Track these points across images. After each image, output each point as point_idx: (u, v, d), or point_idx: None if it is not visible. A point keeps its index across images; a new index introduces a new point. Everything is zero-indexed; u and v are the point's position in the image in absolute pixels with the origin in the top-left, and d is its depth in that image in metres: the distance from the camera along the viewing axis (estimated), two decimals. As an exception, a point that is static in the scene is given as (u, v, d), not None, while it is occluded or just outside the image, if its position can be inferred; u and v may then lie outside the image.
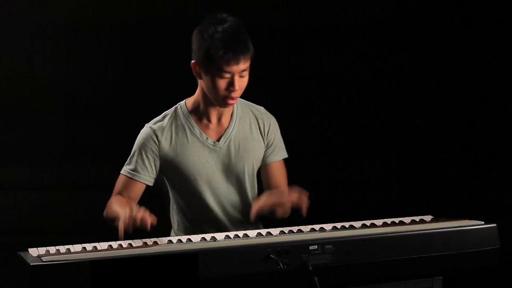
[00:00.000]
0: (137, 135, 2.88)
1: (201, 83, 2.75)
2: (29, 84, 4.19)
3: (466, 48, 4.29)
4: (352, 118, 4.35)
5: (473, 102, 4.30)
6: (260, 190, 2.90)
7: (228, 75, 2.64)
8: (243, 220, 2.86)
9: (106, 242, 2.39)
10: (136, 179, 2.77)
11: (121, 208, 2.59)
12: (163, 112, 2.86)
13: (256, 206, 2.63)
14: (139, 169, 2.77)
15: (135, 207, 2.47)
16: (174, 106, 2.84)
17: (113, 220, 2.60)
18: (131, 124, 4.15)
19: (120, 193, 2.77)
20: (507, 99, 4.28)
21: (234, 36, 2.63)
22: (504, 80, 4.28)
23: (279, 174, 2.90)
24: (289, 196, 2.63)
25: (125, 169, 2.79)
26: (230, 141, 2.80)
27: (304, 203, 2.60)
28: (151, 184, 2.80)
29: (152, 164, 2.77)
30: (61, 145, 4.25)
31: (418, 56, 4.30)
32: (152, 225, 2.43)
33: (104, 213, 2.74)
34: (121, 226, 2.43)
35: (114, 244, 2.37)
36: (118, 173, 2.87)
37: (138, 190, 2.78)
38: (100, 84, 4.23)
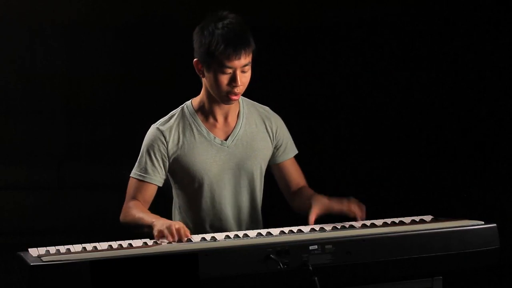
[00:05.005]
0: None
1: (204, 81, 2.76)
2: (29, 84, 4.19)
3: (468, 49, 4.29)
4: (352, 118, 4.36)
5: (473, 103, 4.31)
6: (269, 190, 2.91)
7: (230, 71, 2.65)
8: (249, 219, 2.86)
9: (106, 242, 2.39)
10: (148, 181, 2.76)
11: (147, 216, 2.62)
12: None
13: (316, 213, 2.66)
14: (149, 171, 2.76)
15: (174, 222, 2.49)
16: (180, 106, 2.85)
17: (138, 227, 2.63)
18: (131, 124, 4.18)
19: (134, 197, 2.76)
20: (507, 99, 4.28)
21: (234, 31, 2.64)
22: (504, 81, 4.28)
23: (295, 171, 2.92)
24: (348, 206, 2.68)
25: (135, 172, 2.78)
26: (238, 140, 2.81)
27: (361, 215, 2.65)
28: (161, 185, 2.79)
29: (162, 165, 2.77)
30: (61, 145, 4.25)
31: (421, 57, 4.30)
32: (186, 237, 2.45)
33: (122, 218, 2.74)
34: (158, 235, 2.45)
35: (114, 244, 2.37)
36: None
37: (151, 192, 2.78)
38: (100, 84, 4.23)
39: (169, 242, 2.42)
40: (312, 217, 2.65)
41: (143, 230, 2.59)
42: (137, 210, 2.69)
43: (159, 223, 2.51)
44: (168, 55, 4.21)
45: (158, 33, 4.22)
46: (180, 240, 2.43)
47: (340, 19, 4.28)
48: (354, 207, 2.67)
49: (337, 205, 2.69)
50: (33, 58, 4.18)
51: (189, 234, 2.46)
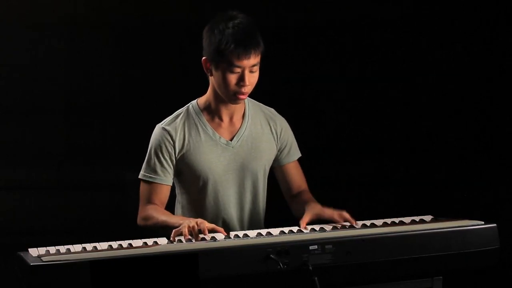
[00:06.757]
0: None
1: (212, 80, 2.76)
2: (29, 84, 4.19)
3: (468, 49, 4.29)
4: (352, 118, 4.36)
5: (473, 103, 4.31)
6: (274, 191, 2.91)
7: (238, 70, 2.65)
8: (251, 219, 2.86)
9: (106, 242, 2.39)
10: (159, 182, 2.77)
11: (171, 218, 2.67)
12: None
13: (306, 221, 2.66)
14: (159, 172, 2.76)
15: (199, 221, 2.52)
16: (186, 106, 2.85)
17: (162, 229, 2.65)
18: (131, 124, 4.18)
19: (149, 200, 2.76)
20: (507, 99, 4.28)
21: (244, 31, 2.64)
22: (504, 80, 4.28)
23: (297, 174, 2.93)
24: (339, 214, 2.67)
25: (146, 174, 2.78)
26: (243, 141, 2.81)
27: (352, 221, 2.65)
28: (171, 184, 2.80)
29: (170, 165, 2.78)
30: (61, 145, 4.25)
31: (421, 57, 4.30)
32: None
33: (142, 223, 2.75)
34: (185, 232, 2.47)
35: (114, 244, 2.38)
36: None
37: (165, 193, 2.79)
38: (101, 84, 4.23)
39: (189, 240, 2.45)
40: (303, 222, 2.64)
41: (167, 233, 2.59)
42: (158, 213, 2.71)
43: (185, 224, 2.52)
44: (169, 55, 4.21)
45: (159, 32, 4.21)
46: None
47: (342, 19, 4.28)
48: (345, 215, 2.66)
49: (329, 212, 2.69)
50: (33, 58, 4.18)
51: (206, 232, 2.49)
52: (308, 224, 2.64)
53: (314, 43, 4.31)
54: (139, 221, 2.77)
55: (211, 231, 2.51)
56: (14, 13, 4.13)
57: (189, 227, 2.48)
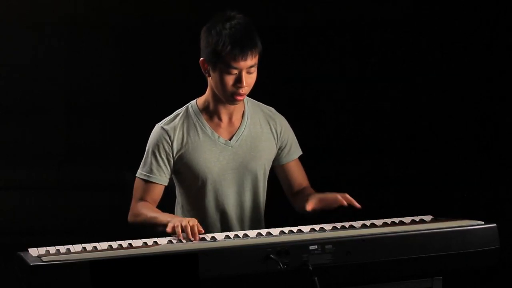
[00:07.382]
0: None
1: (210, 81, 2.76)
2: (29, 84, 4.19)
3: (469, 48, 4.29)
4: (352, 118, 4.36)
5: (473, 102, 4.31)
6: (270, 190, 2.91)
7: (235, 71, 2.65)
8: (252, 219, 2.86)
9: (106, 242, 2.39)
10: (154, 181, 2.77)
11: (161, 215, 2.65)
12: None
13: (311, 204, 2.68)
14: (155, 171, 2.77)
15: (191, 219, 2.51)
16: (185, 106, 2.85)
17: (151, 226, 2.66)
18: (131, 124, 4.18)
19: (142, 198, 2.77)
20: (507, 99, 4.28)
21: (241, 32, 2.64)
22: (504, 80, 4.28)
23: (299, 172, 2.93)
24: (342, 195, 2.67)
25: (141, 173, 2.79)
26: (242, 140, 2.81)
27: (356, 203, 2.65)
28: (167, 184, 2.80)
29: (167, 164, 2.78)
30: (61, 145, 4.25)
31: (421, 57, 4.30)
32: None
33: (132, 219, 2.76)
34: (179, 231, 2.46)
35: (114, 244, 2.37)
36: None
37: (158, 192, 2.79)
38: (100, 84, 4.23)
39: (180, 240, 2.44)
40: (309, 205, 2.67)
41: (157, 230, 2.59)
42: (149, 210, 2.71)
43: (174, 220, 2.52)
44: (169, 55, 4.21)
45: (159, 32, 4.22)
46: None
47: (342, 19, 4.28)
48: (348, 197, 2.67)
49: (331, 194, 2.69)
50: (33, 58, 4.18)
51: (201, 231, 2.47)
52: (313, 209, 2.67)
53: (314, 43, 4.31)
54: (130, 217, 2.77)
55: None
56: (14, 13, 4.13)
57: (181, 226, 2.47)
